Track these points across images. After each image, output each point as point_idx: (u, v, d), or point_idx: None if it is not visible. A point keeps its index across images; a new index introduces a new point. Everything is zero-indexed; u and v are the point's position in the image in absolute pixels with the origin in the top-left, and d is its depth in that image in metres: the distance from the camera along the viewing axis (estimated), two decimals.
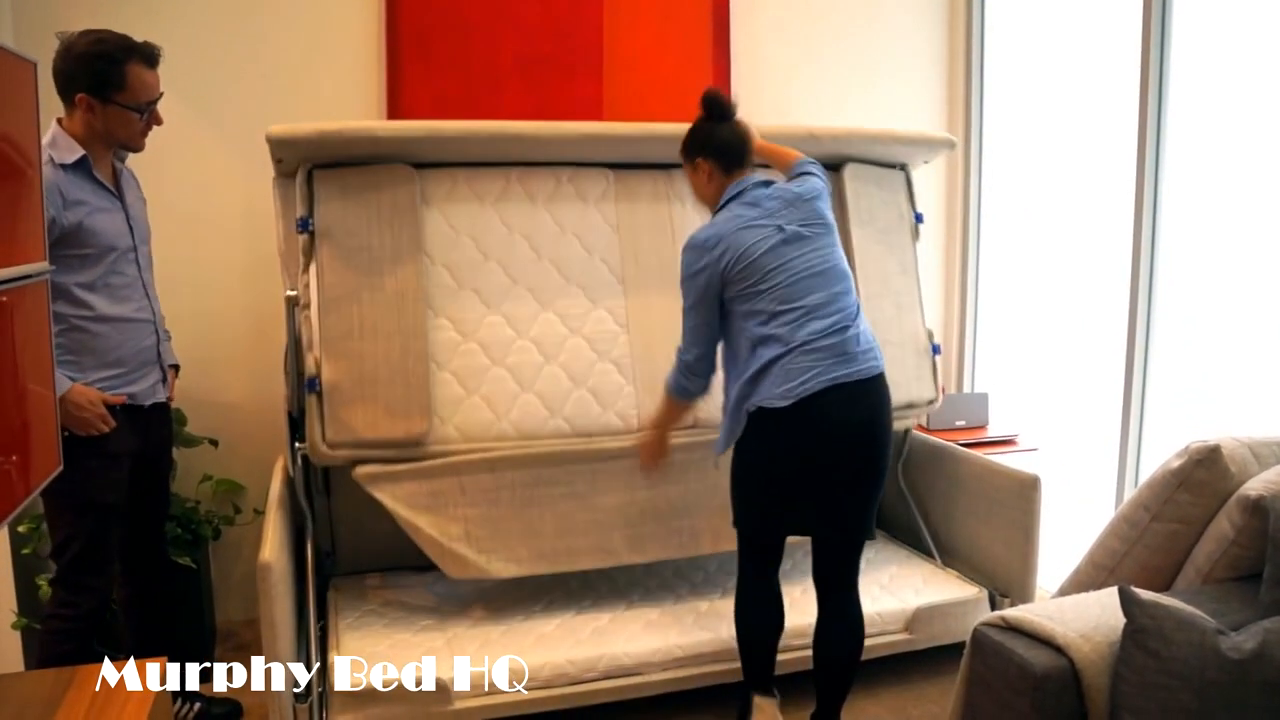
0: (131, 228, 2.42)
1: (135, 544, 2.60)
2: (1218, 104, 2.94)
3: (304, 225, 2.71)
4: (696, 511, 2.91)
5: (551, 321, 2.87)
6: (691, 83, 3.68)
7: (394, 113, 3.38)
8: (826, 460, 2.33)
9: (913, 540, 3.49)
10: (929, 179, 4.08)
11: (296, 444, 2.70)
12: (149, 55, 2.33)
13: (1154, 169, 3.05)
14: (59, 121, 2.30)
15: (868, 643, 2.77)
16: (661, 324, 2.90)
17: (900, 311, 3.19)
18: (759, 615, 2.55)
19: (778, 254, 2.34)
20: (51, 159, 2.23)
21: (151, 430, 2.53)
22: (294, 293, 2.72)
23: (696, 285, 2.40)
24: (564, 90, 3.54)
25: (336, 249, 2.69)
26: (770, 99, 3.81)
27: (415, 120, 3.14)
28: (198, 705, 2.75)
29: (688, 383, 2.52)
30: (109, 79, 2.26)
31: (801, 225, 2.39)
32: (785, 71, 3.84)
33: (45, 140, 2.25)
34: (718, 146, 2.48)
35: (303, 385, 2.65)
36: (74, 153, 2.27)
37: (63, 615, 2.36)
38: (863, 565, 3.19)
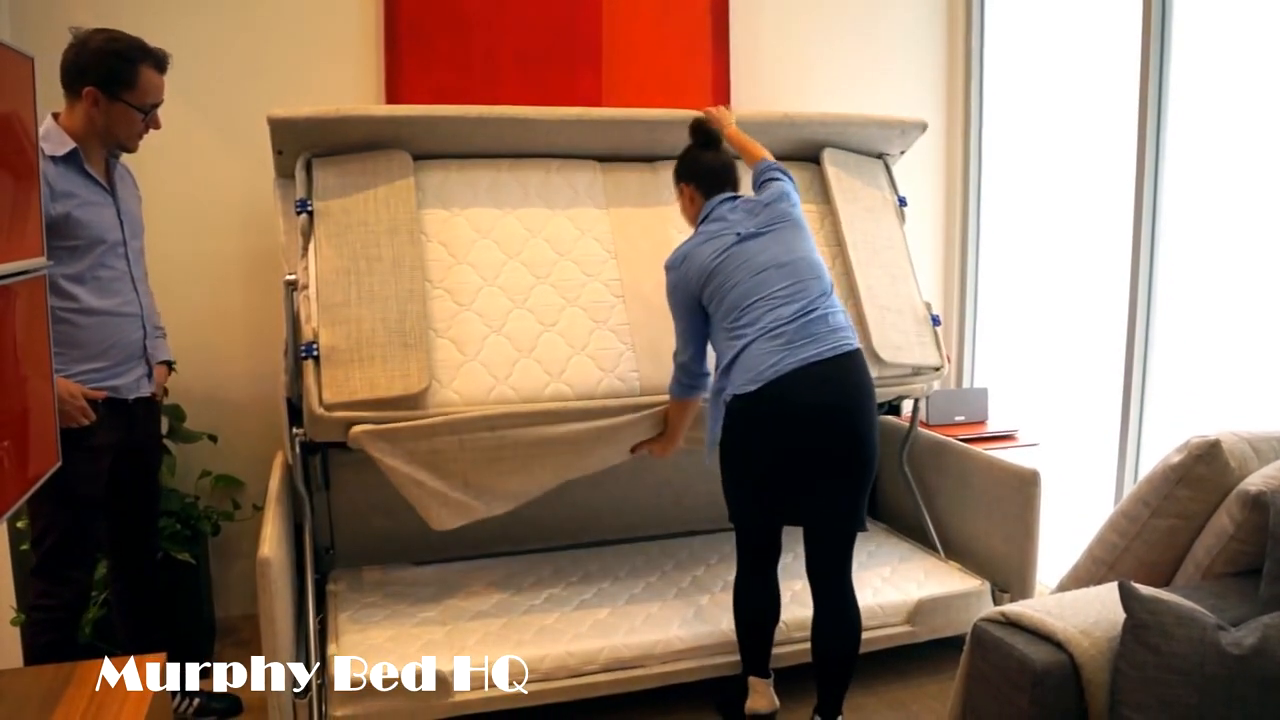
0: (122, 222, 2.43)
1: (123, 538, 2.60)
2: (1218, 99, 2.94)
3: (303, 206, 2.74)
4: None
5: (548, 292, 2.88)
6: (691, 77, 3.68)
7: (393, 104, 3.36)
8: (804, 444, 2.36)
9: (913, 533, 3.49)
10: (928, 174, 4.08)
11: (295, 430, 2.68)
12: (160, 60, 2.40)
13: (1154, 162, 3.05)
14: (54, 117, 2.33)
15: (869, 635, 2.78)
16: (658, 293, 2.86)
17: (894, 281, 3.19)
18: (754, 610, 2.60)
19: (736, 253, 2.48)
20: (41, 151, 2.24)
21: (136, 425, 2.52)
22: (293, 276, 2.71)
23: (676, 301, 2.58)
24: (563, 84, 3.53)
25: (334, 225, 2.73)
26: (769, 92, 3.81)
27: (408, 105, 3.22)
28: (197, 701, 2.76)
29: (689, 380, 2.65)
30: (121, 76, 2.31)
31: (760, 226, 2.52)
32: (784, 65, 3.83)
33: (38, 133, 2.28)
34: (700, 171, 2.65)
35: (299, 355, 2.62)
36: (65, 145, 2.30)
37: (44, 606, 2.37)
38: (864, 558, 3.22)
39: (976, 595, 2.99)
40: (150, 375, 2.55)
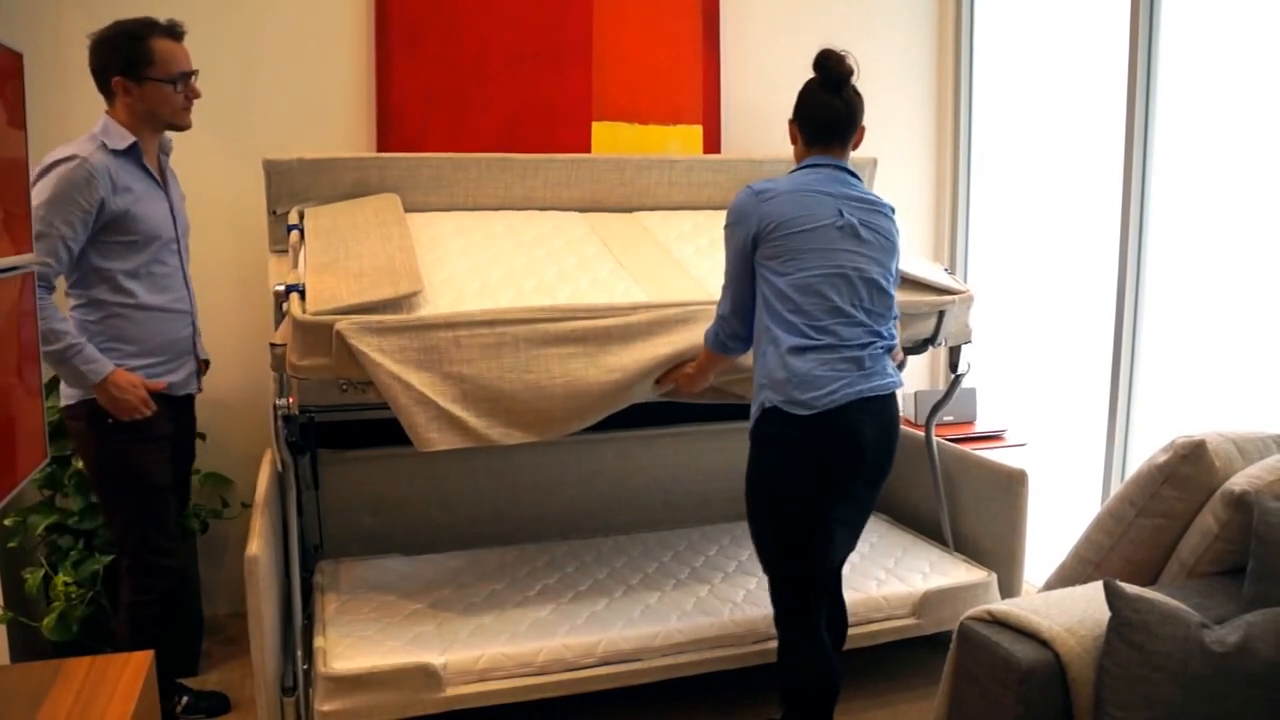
0: (175, 218, 2.48)
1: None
2: (1205, 103, 2.96)
3: (294, 227, 2.78)
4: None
5: (543, 263, 2.80)
6: (682, 77, 3.68)
7: (383, 105, 3.37)
8: (848, 476, 2.16)
9: (914, 523, 3.46)
10: (917, 175, 4.09)
11: (278, 402, 2.52)
12: (171, 29, 2.39)
13: (1141, 164, 3.06)
14: (107, 113, 2.37)
15: (874, 628, 2.79)
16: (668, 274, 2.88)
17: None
18: (821, 677, 2.23)
19: (825, 237, 2.14)
20: (104, 144, 2.30)
21: (181, 421, 2.59)
22: (281, 286, 2.70)
23: (733, 238, 2.21)
24: (553, 84, 3.54)
25: (323, 229, 2.75)
26: (760, 95, 3.82)
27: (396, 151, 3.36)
28: (185, 699, 2.75)
29: (727, 340, 2.32)
30: (137, 56, 2.32)
31: (863, 221, 2.18)
32: (775, 67, 3.84)
33: (97, 129, 2.34)
34: (807, 113, 2.27)
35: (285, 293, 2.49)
36: (125, 140, 2.33)
37: (142, 602, 2.44)
38: (866, 549, 3.22)
39: (983, 587, 2.93)
40: (198, 372, 2.61)
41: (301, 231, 2.75)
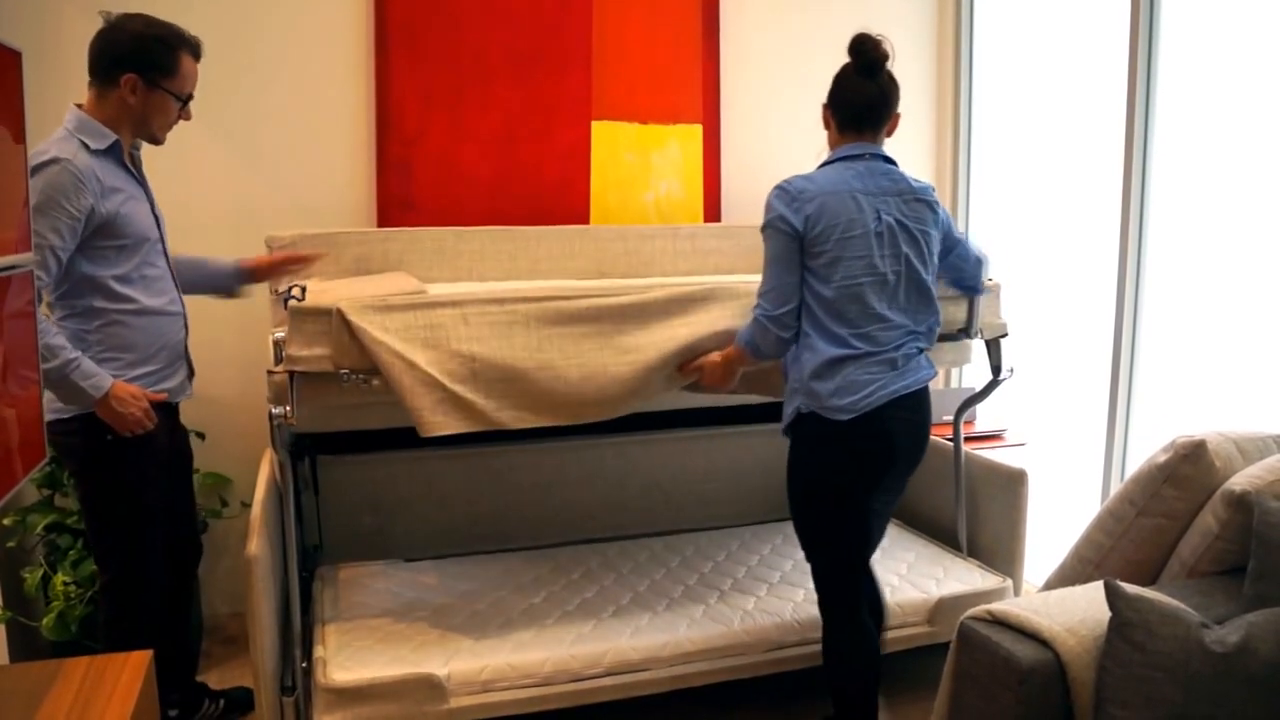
0: (157, 217, 2.39)
1: (176, 543, 2.56)
2: (1205, 101, 2.95)
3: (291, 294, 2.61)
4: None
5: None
6: (682, 77, 3.68)
7: (383, 104, 3.37)
8: (884, 472, 2.25)
9: (922, 525, 3.43)
10: (916, 172, 4.09)
11: (275, 411, 2.44)
12: (196, 47, 2.32)
13: (1141, 164, 3.06)
14: (79, 107, 2.25)
15: (888, 636, 2.73)
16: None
17: None
18: (866, 661, 2.35)
19: (866, 244, 2.14)
20: (85, 145, 2.18)
21: (176, 427, 2.52)
22: (282, 334, 2.53)
23: (776, 238, 2.17)
24: (553, 84, 3.53)
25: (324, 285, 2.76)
26: (761, 94, 3.81)
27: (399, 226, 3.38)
28: (222, 701, 2.74)
29: (768, 347, 2.25)
30: (162, 63, 2.23)
31: (900, 220, 2.18)
32: (775, 67, 3.84)
33: (70, 125, 2.21)
34: (841, 100, 2.25)
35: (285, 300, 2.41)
36: (105, 138, 2.21)
37: (120, 616, 2.36)
38: (876, 553, 3.17)
39: (999, 593, 2.89)
40: (190, 376, 2.53)
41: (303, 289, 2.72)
